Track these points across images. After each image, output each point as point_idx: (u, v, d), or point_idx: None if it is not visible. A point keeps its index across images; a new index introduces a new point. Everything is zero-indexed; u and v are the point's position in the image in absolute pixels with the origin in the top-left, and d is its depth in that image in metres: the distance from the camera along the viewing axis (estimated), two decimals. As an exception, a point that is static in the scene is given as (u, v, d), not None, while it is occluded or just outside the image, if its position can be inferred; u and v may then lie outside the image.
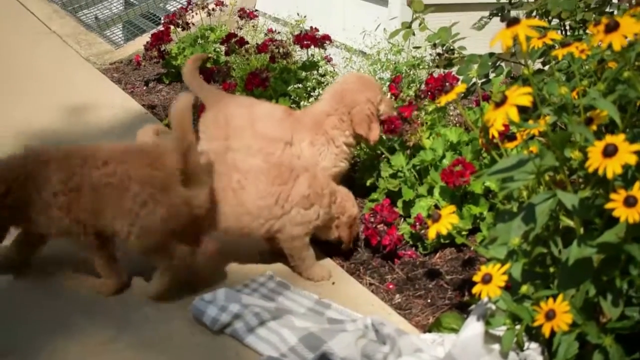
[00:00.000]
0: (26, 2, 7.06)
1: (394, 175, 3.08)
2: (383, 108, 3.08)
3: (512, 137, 2.16)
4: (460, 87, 2.10)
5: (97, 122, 4.04)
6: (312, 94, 3.71)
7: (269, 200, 2.63)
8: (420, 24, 3.29)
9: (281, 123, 3.06)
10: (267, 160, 2.77)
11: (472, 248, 2.85)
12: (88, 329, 2.34)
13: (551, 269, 2.00)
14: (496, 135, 1.88)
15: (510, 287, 1.96)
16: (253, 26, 4.80)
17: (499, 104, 1.73)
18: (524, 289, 1.92)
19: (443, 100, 2.09)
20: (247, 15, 4.81)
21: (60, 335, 2.30)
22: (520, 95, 1.70)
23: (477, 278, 1.89)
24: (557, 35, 2.02)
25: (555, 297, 1.78)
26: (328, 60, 4.06)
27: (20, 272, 2.61)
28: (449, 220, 1.97)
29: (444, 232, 1.96)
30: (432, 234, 1.98)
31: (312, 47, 3.92)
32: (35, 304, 2.45)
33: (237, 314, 2.36)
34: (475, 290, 1.88)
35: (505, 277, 1.86)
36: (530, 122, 2.00)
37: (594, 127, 1.89)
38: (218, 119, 3.10)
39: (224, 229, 2.66)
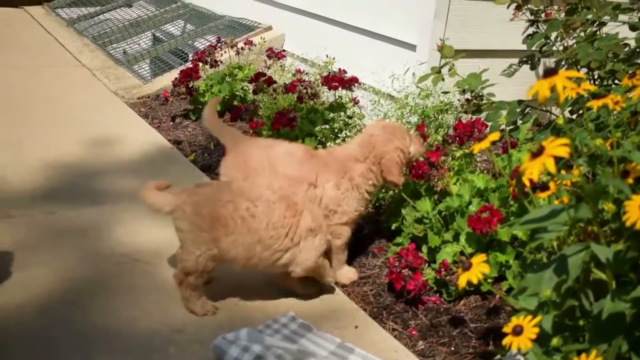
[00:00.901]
0: (58, 35, 7.18)
1: (419, 220, 3.06)
2: (413, 149, 3.07)
3: (544, 187, 2.14)
4: (494, 136, 2.09)
5: (124, 155, 4.07)
6: (339, 135, 3.71)
7: (281, 232, 2.64)
8: (450, 70, 3.30)
9: (304, 163, 3.04)
10: (274, 191, 2.75)
11: (497, 296, 2.82)
12: (110, 365, 2.33)
13: (581, 322, 1.97)
14: (527, 184, 1.86)
15: (540, 339, 1.93)
16: (281, 66, 4.83)
17: (536, 155, 1.72)
18: (555, 341, 1.88)
19: (476, 148, 2.09)
20: (275, 55, 4.85)
21: (81, 370, 2.29)
22: (558, 147, 1.69)
23: (507, 329, 1.86)
24: (591, 86, 2.02)
25: (585, 351, 1.74)
26: (355, 102, 4.08)
27: (45, 310, 2.59)
28: (479, 269, 1.95)
29: (475, 280, 1.93)
30: (462, 282, 1.96)
31: (340, 88, 3.94)
32: (59, 339, 2.43)
33: (260, 355, 2.33)
34: (505, 341, 1.85)
35: (537, 330, 1.83)
36: (563, 172, 1.99)
37: (631, 180, 1.87)
38: (238, 161, 3.10)
39: (231, 257, 2.64)
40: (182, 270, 2.63)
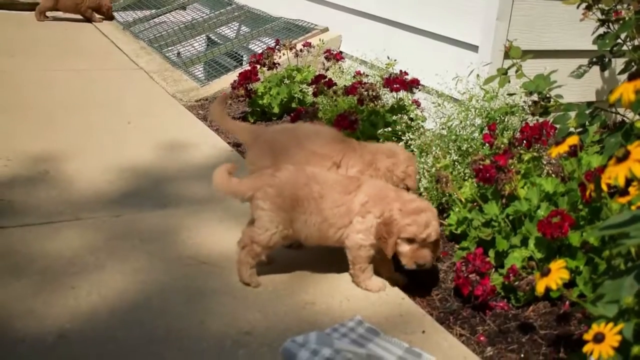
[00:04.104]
0: (114, 39, 7.31)
1: (486, 224, 3.02)
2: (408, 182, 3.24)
3: (623, 192, 2.08)
4: (573, 139, 2.05)
5: (187, 158, 4.11)
6: (402, 137, 3.69)
7: (342, 209, 2.79)
8: (517, 71, 3.25)
9: (331, 143, 3.21)
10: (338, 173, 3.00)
11: (567, 303, 2.76)
12: (182, 367, 2.35)
13: (661, 331, 1.91)
14: (605, 188, 1.81)
15: (620, 347, 1.88)
16: (339, 68, 4.82)
17: (621, 159, 1.68)
18: (636, 350, 1.83)
19: (554, 151, 2.05)
20: (333, 56, 4.85)
21: (153, 372, 2.31)
22: (646, 151, 1.64)
23: (588, 336, 1.82)
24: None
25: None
26: (417, 104, 4.04)
27: (117, 312, 2.63)
28: (559, 275, 1.91)
29: (554, 286, 1.90)
30: (540, 288, 1.92)
31: (402, 91, 3.91)
32: (131, 342, 2.45)
33: (329, 358, 2.32)
34: (586, 348, 1.81)
35: (619, 337, 1.79)
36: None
37: None
38: (263, 150, 3.22)
39: (304, 237, 2.84)
40: (251, 238, 2.81)
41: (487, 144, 3.32)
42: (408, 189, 3.23)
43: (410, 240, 2.73)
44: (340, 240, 2.85)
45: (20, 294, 2.69)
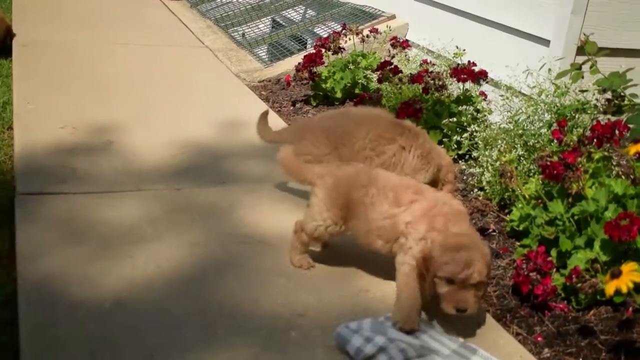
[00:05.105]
0: (181, 16, 7.36)
1: (550, 222, 2.93)
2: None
3: None
4: (652, 139, 1.96)
5: (248, 138, 4.10)
6: (467, 129, 3.61)
7: (387, 223, 2.57)
8: (591, 67, 3.14)
9: (395, 126, 3.17)
10: (401, 181, 2.70)
11: (630, 309, 2.67)
12: (234, 343, 2.34)
13: None
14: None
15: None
16: (405, 56, 4.76)
17: None
18: None
19: (632, 149, 1.96)
20: (399, 44, 4.79)
21: (205, 346, 2.31)
22: None
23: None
24: None
25: None
26: (484, 96, 3.96)
27: (173, 285, 2.64)
28: (630, 278, 1.84)
29: (625, 289, 1.83)
30: (610, 290, 1.86)
31: (469, 81, 3.83)
32: (186, 315, 2.47)
33: (383, 347, 2.29)
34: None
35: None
36: None
37: None
38: (317, 136, 3.15)
39: (357, 239, 2.71)
40: (301, 225, 2.77)
41: (555, 141, 3.22)
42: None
43: (449, 281, 2.37)
44: (392, 253, 2.60)
45: (78, 259, 2.73)
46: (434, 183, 3.22)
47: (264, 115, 3.40)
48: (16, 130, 3.89)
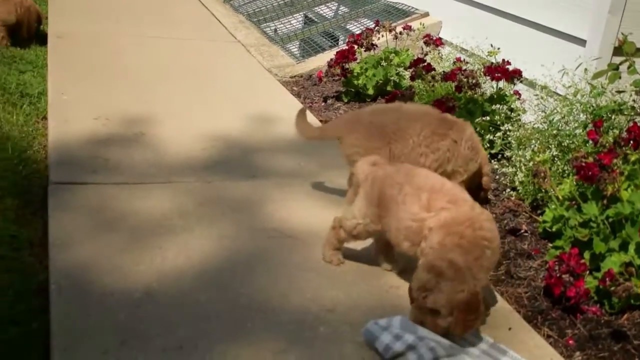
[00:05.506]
0: (214, 11, 7.38)
1: (584, 224, 2.89)
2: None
3: None
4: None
5: (279, 133, 4.10)
6: (500, 128, 3.57)
7: (414, 226, 2.51)
8: (629, 67, 3.09)
9: (445, 122, 3.17)
10: (436, 181, 2.62)
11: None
12: (262, 336, 2.34)
13: None
14: None
15: None
16: (438, 53, 4.72)
17: None
18: None
19: (673, 151, 1.92)
20: (433, 41, 4.75)
21: (234, 338, 2.31)
22: None
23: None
24: None
25: None
26: (518, 95, 3.91)
27: (203, 277, 2.65)
28: (669, 283, 1.79)
29: (663, 294, 1.78)
30: (647, 294, 1.81)
31: (503, 80, 3.79)
32: (215, 307, 2.47)
33: (412, 345, 2.27)
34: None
35: None
36: None
37: None
38: (369, 130, 3.10)
39: (389, 237, 2.64)
40: (340, 221, 2.75)
41: (590, 142, 3.17)
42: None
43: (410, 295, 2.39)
44: (417, 256, 2.53)
45: (109, 249, 2.74)
46: (478, 174, 3.24)
47: (302, 112, 3.37)
48: (50, 121, 3.93)
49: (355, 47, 4.91)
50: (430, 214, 2.47)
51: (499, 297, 2.77)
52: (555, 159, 3.33)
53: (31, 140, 3.88)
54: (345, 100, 4.88)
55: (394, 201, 2.57)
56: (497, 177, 3.69)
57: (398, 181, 2.59)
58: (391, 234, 2.61)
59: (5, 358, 2.27)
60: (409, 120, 3.11)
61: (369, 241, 2.87)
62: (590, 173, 2.88)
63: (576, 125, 3.42)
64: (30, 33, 5.85)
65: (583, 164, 2.91)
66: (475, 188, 3.24)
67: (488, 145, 3.73)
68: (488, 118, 3.68)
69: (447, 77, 4.03)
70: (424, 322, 2.35)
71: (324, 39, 6.39)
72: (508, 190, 3.51)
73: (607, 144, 3.08)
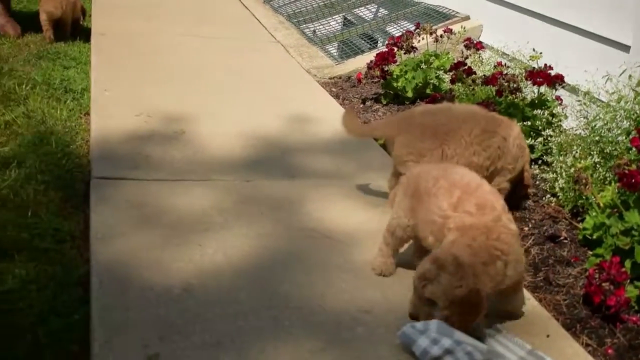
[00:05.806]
0: (254, 11, 7.42)
1: (625, 233, 2.85)
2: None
3: None
4: None
5: (318, 133, 4.11)
6: (541, 133, 3.54)
7: (438, 222, 2.47)
8: (676, 75, 3.04)
9: (494, 120, 3.16)
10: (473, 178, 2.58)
11: None
12: (300, 336, 2.34)
13: None
14: None
15: None
16: (479, 57, 4.69)
17: None
18: None
19: None
20: (473, 45, 4.72)
21: (272, 337, 2.32)
22: None
23: None
24: None
25: None
26: (560, 101, 3.87)
27: (242, 275, 2.66)
28: None
29: None
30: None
31: (545, 85, 3.75)
32: (253, 305, 2.48)
33: (449, 349, 2.26)
34: None
35: None
36: None
37: None
38: (423, 131, 3.08)
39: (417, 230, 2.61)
40: (389, 228, 2.72)
41: (634, 149, 3.13)
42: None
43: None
44: None
45: (149, 244, 2.78)
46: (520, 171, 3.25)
47: (351, 109, 3.38)
48: (93, 116, 3.99)
49: (395, 49, 4.90)
50: (455, 214, 2.44)
51: (537, 303, 2.74)
52: (597, 165, 3.29)
53: (74, 135, 3.95)
54: (384, 103, 4.87)
55: (427, 193, 2.54)
56: (537, 182, 3.65)
57: (434, 175, 2.57)
58: (419, 227, 2.59)
59: (49, 348, 2.31)
60: (459, 120, 3.10)
61: (408, 243, 2.87)
62: (633, 180, 2.85)
63: (619, 132, 3.37)
64: (75, 29, 5.95)
65: (626, 171, 2.87)
66: (517, 184, 3.25)
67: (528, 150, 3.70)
68: (529, 123, 3.65)
69: (487, 81, 4.01)
70: (420, 312, 2.35)
71: (363, 41, 6.40)
72: (548, 196, 3.48)
73: (651, 152, 3.04)
